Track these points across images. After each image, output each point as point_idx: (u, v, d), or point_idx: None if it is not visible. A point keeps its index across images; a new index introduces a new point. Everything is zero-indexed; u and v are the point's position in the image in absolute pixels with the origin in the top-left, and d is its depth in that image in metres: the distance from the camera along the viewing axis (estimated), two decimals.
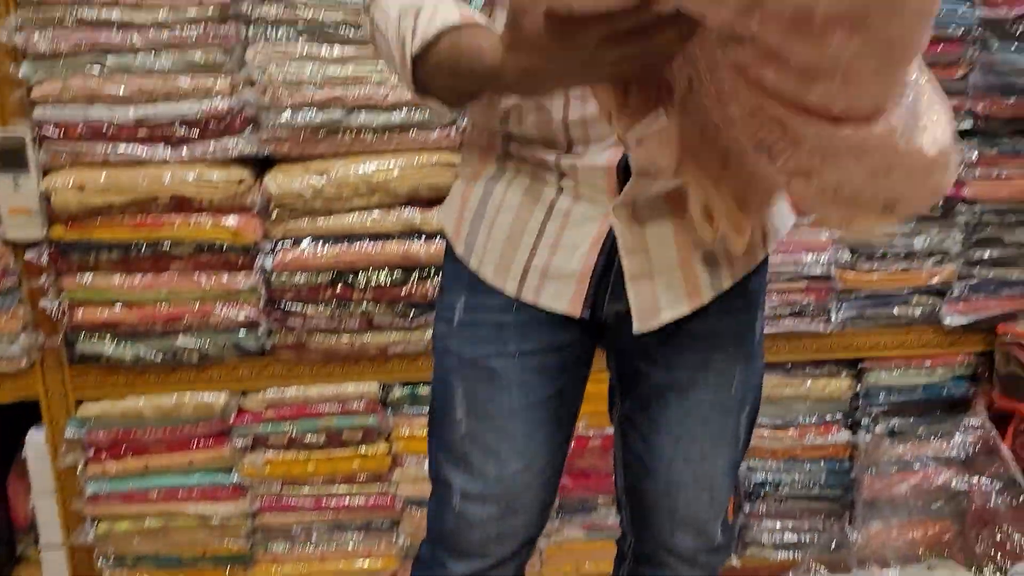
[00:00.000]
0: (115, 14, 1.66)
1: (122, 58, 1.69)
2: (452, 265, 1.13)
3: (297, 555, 1.96)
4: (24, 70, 1.66)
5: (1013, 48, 1.82)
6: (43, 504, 1.91)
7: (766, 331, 1.94)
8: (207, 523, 1.90)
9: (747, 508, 2.07)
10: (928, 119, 0.75)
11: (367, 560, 1.95)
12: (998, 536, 1.89)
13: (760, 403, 1.22)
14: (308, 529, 1.94)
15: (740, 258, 1.08)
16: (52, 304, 1.77)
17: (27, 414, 1.89)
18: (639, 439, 1.18)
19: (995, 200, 1.90)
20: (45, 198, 1.71)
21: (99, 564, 1.93)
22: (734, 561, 2.08)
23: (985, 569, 1.85)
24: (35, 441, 1.88)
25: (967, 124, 1.87)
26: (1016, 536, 1.87)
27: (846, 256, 1.92)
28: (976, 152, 1.88)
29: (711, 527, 1.19)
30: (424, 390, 1.88)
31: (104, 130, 1.70)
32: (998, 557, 1.87)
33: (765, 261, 1.15)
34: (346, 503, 1.91)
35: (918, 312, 1.96)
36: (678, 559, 1.20)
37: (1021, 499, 1.88)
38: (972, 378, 2.04)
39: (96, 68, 1.69)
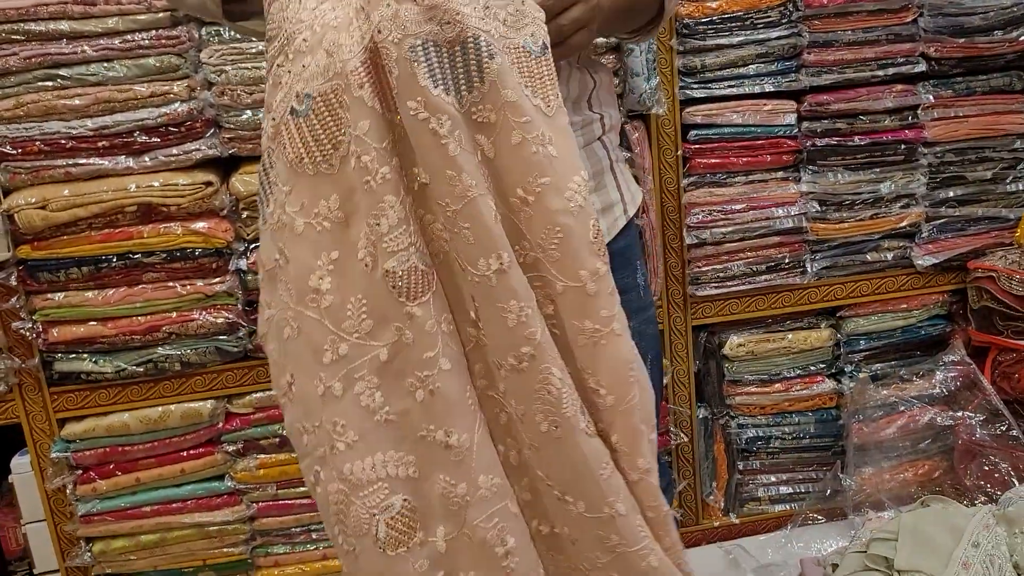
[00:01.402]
0: (64, 25, 1.64)
1: (75, 70, 1.66)
2: None
3: (299, 556, 1.94)
4: None
5: None
6: (34, 530, 1.88)
7: (743, 288, 1.98)
8: (204, 532, 1.89)
9: (741, 465, 2.09)
10: None
11: None
12: (985, 467, 1.93)
13: (660, 349, 1.23)
14: (307, 529, 1.93)
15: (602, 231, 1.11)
16: (25, 325, 1.74)
17: (10, 440, 1.86)
18: None
19: (954, 140, 1.94)
20: (8, 218, 1.68)
21: None
22: (733, 519, 2.10)
23: (977, 501, 1.89)
24: (21, 466, 1.85)
25: (921, 67, 1.90)
26: (1003, 465, 1.90)
27: (815, 207, 1.94)
28: (931, 95, 1.91)
29: None
30: None
31: (63, 144, 1.68)
32: (987, 487, 1.91)
33: (629, 225, 1.16)
34: None
35: (890, 256, 1.99)
36: None
37: (1005, 429, 1.91)
38: (948, 316, 2.08)
39: (49, 82, 1.66)
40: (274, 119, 0.77)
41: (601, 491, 0.81)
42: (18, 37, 1.63)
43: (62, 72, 1.66)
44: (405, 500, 0.79)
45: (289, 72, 0.76)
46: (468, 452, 0.81)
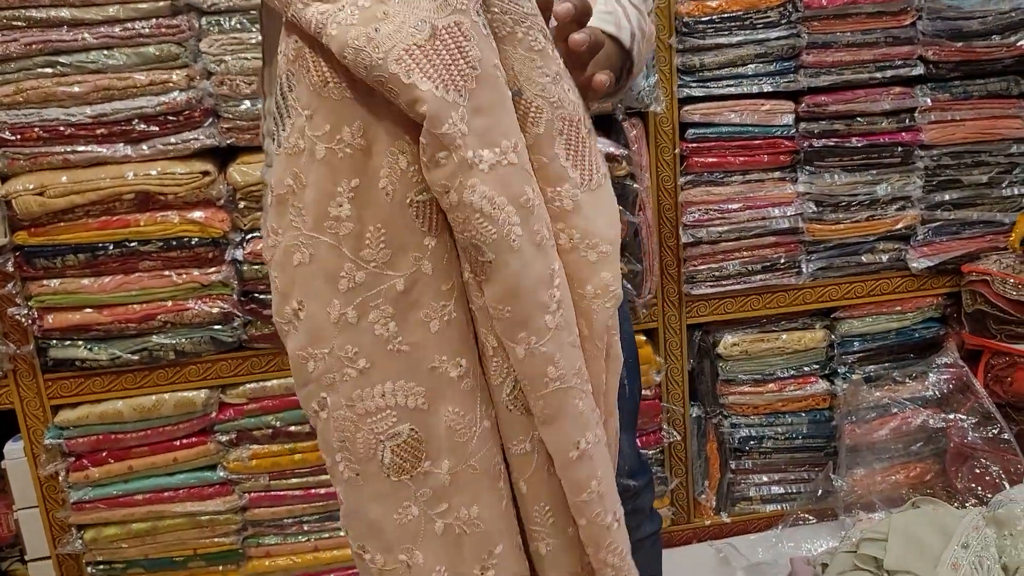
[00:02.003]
0: (64, 12, 1.64)
1: (75, 57, 1.67)
2: None
3: (290, 547, 1.95)
4: None
5: None
6: (27, 516, 1.88)
7: (738, 288, 1.98)
8: (196, 522, 1.89)
9: (733, 464, 2.09)
10: None
11: None
12: (977, 470, 1.93)
13: (635, 347, 1.23)
14: (299, 520, 1.93)
15: None
16: (21, 311, 1.74)
17: (4, 426, 1.87)
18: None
19: (951, 143, 1.94)
20: (6, 204, 1.68)
21: (88, 572, 1.90)
22: (724, 518, 2.10)
23: (968, 503, 1.89)
24: (14, 452, 1.85)
25: (918, 70, 1.91)
26: (994, 468, 1.91)
27: (811, 208, 1.94)
28: (929, 98, 1.92)
29: (620, 477, 1.19)
30: None
31: (62, 131, 1.68)
32: (978, 490, 1.91)
33: None
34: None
35: (885, 258, 2.00)
36: None
37: (996, 432, 1.92)
38: (942, 319, 2.08)
39: (49, 68, 1.66)
40: (296, 42, 0.74)
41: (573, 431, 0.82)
42: (19, 23, 1.63)
43: (62, 59, 1.66)
44: (412, 429, 0.79)
45: None
46: (477, 381, 0.81)
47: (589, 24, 0.83)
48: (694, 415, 2.07)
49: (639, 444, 2.01)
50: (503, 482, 0.83)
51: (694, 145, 1.89)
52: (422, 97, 0.69)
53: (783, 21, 1.85)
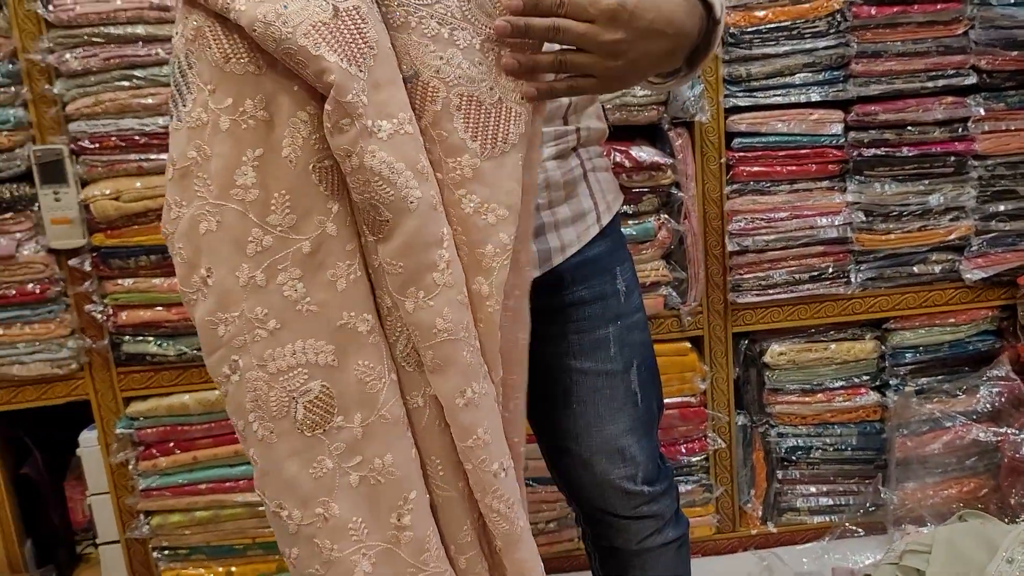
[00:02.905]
0: (140, 29, 1.76)
1: (149, 71, 1.78)
2: None
3: None
4: (58, 88, 1.77)
5: (1012, 1, 1.84)
6: (99, 501, 2.00)
7: (785, 297, 1.98)
8: (255, 511, 1.98)
9: (780, 475, 2.09)
10: None
11: None
12: None
13: (653, 357, 1.24)
14: None
15: (571, 239, 1.14)
16: (97, 308, 1.86)
17: (79, 418, 1.99)
18: (547, 423, 1.22)
19: (1005, 153, 1.92)
20: (84, 207, 1.81)
21: (154, 556, 2.01)
22: (770, 528, 2.10)
23: (1020, 519, 1.85)
24: (88, 441, 1.97)
25: (971, 80, 1.89)
26: None
27: (861, 218, 1.94)
28: (982, 108, 1.90)
29: (633, 484, 1.21)
30: None
31: (136, 140, 1.80)
32: None
33: (606, 233, 1.18)
34: None
35: (938, 269, 1.98)
36: (617, 517, 1.24)
37: None
38: (997, 332, 2.05)
39: (125, 82, 1.78)
40: (196, 22, 0.80)
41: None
42: (98, 40, 1.75)
43: (137, 72, 1.78)
44: (324, 386, 0.84)
45: None
46: (382, 336, 0.86)
47: None
48: (740, 424, 2.08)
49: (684, 451, 2.03)
50: (409, 431, 0.88)
51: (740, 154, 1.91)
52: (329, 68, 0.76)
53: (831, 31, 1.86)
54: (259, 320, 0.83)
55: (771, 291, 1.97)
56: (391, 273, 0.83)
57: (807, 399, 2.05)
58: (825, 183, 1.94)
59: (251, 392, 0.85)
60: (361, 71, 0.78)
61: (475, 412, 0.86)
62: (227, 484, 1.97)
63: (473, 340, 0.86)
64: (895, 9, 1.84)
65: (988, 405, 1.96)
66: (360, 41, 0.78)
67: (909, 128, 1.90)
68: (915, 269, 1.98)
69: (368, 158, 0.79)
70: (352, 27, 0.78)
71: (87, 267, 1.84)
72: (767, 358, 2.02)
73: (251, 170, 0.81)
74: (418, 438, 0.89)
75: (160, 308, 1.88)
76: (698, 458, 2.04)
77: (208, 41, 0.80)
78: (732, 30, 1.85)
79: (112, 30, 1.75)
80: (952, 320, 2.02)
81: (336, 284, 0.84)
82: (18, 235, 1.83)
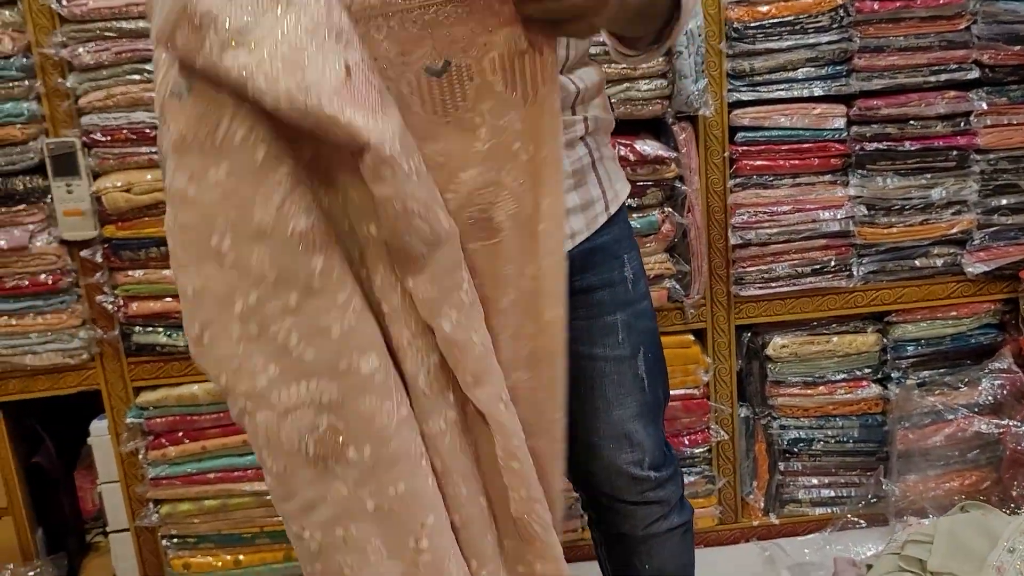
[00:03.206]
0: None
1: None
2: None
3: None
4: (71, 82, 1.79)
5: None
6: (109, 490, 2.03)
7: (787, 289, 2.00)
8: (263, 501, 2.00)
9: (782, 466, 2.11)
10: None
11: None
12: None
13: (659, 345, 1.26)
14: None
15: (580, 227, 1.15)
16: (108, 299, 1.89)
17: (90, 408, 2.02)
18: None
19: (1008, 147, 1.93)
20: (96, 199, 1.83)
21: (163, 544, 2.04)
22: (772, 519, 2.12)
23: (1021, 511, 1.86)
24: (99, 430, 2.00)
25: (974, 74, 1.90)
26: None
27: (863, 211, 1.95)
28: (985, 102, 1.91)
29: (640, 469, 1.23)
30: None
31: (147, 133, 1.83)
32: None
33: (613, 220, 1.19)
34: None
35: (940, 263, 1.99)
36: (624, 503, 1.25)
37: None
38: (999, 326, 2.06)
39: (136, 76, 1.81)
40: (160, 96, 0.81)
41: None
42: (110, 34, 1.78)
43: (148, 67, 1.80)
44: (331, 422, 0.86)
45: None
46: (390, 373, 0.87)
47: None
48: (742, 415, 2.10)
49: (687, 442, 2.05)
50: (426, 462, 0.90)
51: (743, 148, 1.93)
52: (361, 130, 0.77)
53: (834, 26, 1.88)
54: (259, 369, 0.85)
55: (774, 284, 1.99)
56: (423, 302, 0.85)
57: (809, 391, 2.06)
58: (828, 177, 1.96)
59: (263, 432, 0.87)
60: (383, 120, 0.79)
61: (513, 413, 0.90)
62: (235, 473, 1.99)
63: (492, 348, 0.90)
64: (898, 4, 1.86)
65: (990, 398, 1.98)
66: (373, 92, 0.79)
67: (911, 122, 1.92)
68: (917, 263, 2.00)
69: (410, 202, 0.81)
70: (363, 79, 0.78)
71: (98, 258, 1.87)
72: (769, 351, 2.04)
73: (226, 238, 0.82)
74: (439, 462, 0.91)
75: (170, 299, 1.90)
76: (701, 450, 2.06)
77: (167, 118, 0.81)
78: (736, 25, 1.87)
79: (124, 24, 1.77)
80: (954, 313, 2.04)
81: (330, 332, 0.84)
82: (31, 226, 1.86)
